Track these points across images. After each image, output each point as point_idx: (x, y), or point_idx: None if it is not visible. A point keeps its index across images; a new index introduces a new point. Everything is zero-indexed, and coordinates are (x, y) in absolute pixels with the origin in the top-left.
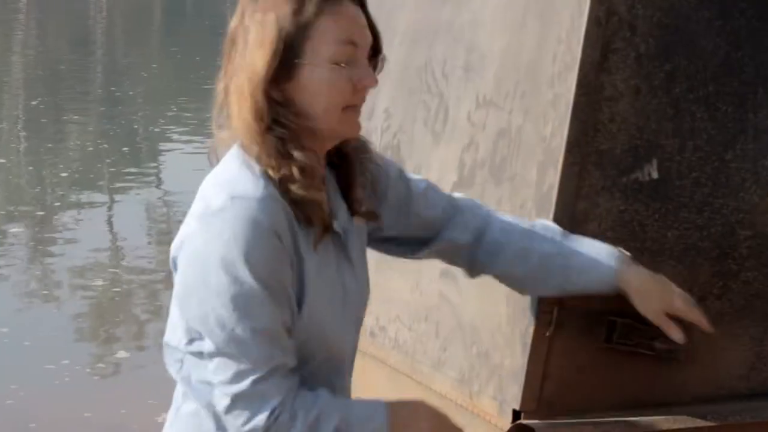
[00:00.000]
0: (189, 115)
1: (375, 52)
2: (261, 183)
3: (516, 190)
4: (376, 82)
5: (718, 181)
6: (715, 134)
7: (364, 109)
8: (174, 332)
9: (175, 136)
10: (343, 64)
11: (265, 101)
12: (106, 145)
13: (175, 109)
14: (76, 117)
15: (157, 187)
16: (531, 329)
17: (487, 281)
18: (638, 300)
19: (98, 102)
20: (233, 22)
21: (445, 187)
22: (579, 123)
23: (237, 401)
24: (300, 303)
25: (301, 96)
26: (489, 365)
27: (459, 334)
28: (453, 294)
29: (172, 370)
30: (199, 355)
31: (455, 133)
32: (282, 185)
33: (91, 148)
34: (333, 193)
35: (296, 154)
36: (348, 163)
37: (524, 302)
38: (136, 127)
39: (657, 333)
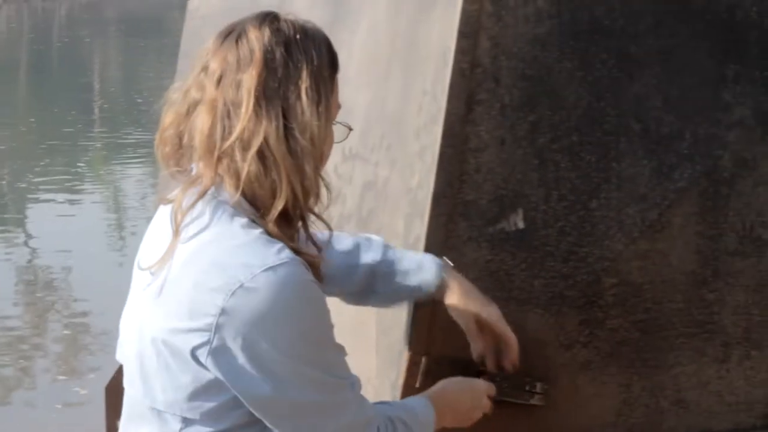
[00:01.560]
0: (58, 170)
1: None
2: (279, 245)
3: None
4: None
5: (583, 230)
6: (579, 183)
7: None
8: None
9: (43, 191)
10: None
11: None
12: None
13: (43, 164)
14: None
15: (24, 244)
16: (400, 381)
17: (357, 334)
18: (455, 306)
19: None
20: (251, 72)
21: None
22: (445, 174)
23: None
24: None
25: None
26: None
27: None
28: None
29: None
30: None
31: None
32: (291, 247)
33: None
34: None
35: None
36: None
37: (393, 354)
38: (2, 182)
39: (524, 382)
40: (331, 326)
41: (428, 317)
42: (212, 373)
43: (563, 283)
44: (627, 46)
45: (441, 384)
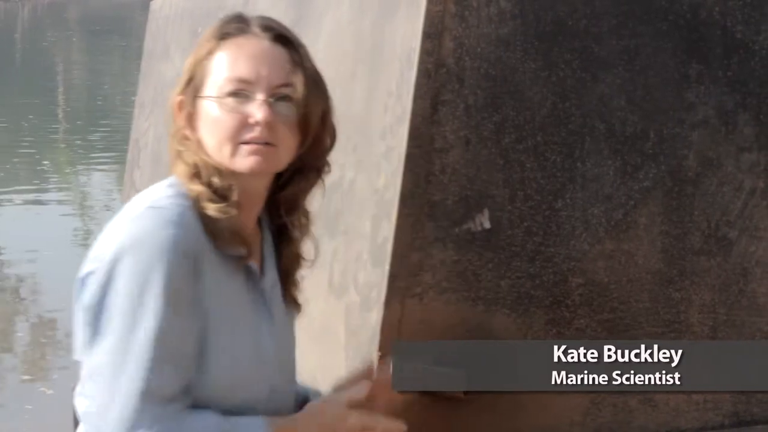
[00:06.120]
0: (23, 171)
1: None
2: (179, 199)
3: (350, 242)
4: (266, 116)
5: (549, 230)
6: (544, 183)
7: None
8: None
9: (7, 192)
10: (230, 99)
11: (180, 134)
12: None
13: (9, 165)
14: None
15: None
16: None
17: (326, 335)
18: None
19: None
20: None
21: None
22: (412, 175)
23: (118, 426)
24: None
25: (202, 130)
26: None
27: None
28: None
29: None
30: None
31: None
32: (197, 203)
33: None
34: (268, 254)
35: (211, 178)
36: (285, 238)
37: (362, 354)
38: None
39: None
40: (167, 294)
41: (397, 317)
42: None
43: (530, 282)
44: (590, 47)
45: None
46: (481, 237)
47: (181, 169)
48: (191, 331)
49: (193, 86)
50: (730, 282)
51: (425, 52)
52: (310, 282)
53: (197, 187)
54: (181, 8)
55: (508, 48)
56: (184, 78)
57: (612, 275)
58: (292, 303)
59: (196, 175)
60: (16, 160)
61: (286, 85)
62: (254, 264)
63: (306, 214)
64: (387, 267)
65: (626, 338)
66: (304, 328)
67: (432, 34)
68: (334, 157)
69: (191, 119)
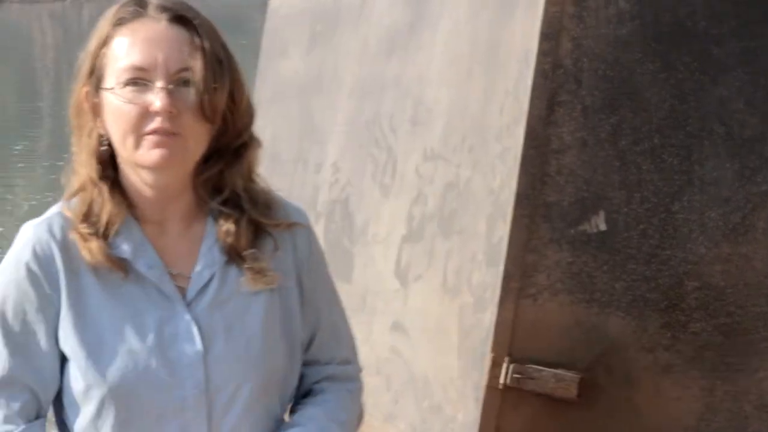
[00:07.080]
0: None
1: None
2: (50, 216)
3: (465, 242)
4: (165, 105)
5: (665, 233)
6: (661, 186)
7: (313, 162)
8: None
9: None
10: (128, 88)
11: (85, 129)
12: None
13: None
14: None
15: None
16: (483, 382)
17: (439, 336)
18: None
19: None
20: None
21: (395, 240)
22: (528, 176)
23: None
24: (77, 339)
25: (108, 124)
26: (441, 418)
27: (411, 387)
28: (404, 347)
29: None
30: None
31: (404, 187)
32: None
33: None
34: (208, 245)
35: (93, 198)
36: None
37: (476, 355)
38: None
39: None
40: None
41: (511, 318)
42: None
43: (645, 285)
44: (710, 49)
45: None
46: (597, 239)
47: (69, 189)
48: (37, 352)
49: (95, 77)
50: None
51: (542, 53)
52: (424, 282)
53: (69, 213)
54: (300, 8)
55: (626, 49)
56: (84, 69)
57: (729, 279)
58: (259, 280)
59: (76, 193)
60: None
61: (185, 69)
62: (149, 264)
63: (248, 191)
64: (501, 267)
65: (743, 343)
66: (416, 327)
67: (550, 34)
68: (450, 156)
69: (97, 112)
